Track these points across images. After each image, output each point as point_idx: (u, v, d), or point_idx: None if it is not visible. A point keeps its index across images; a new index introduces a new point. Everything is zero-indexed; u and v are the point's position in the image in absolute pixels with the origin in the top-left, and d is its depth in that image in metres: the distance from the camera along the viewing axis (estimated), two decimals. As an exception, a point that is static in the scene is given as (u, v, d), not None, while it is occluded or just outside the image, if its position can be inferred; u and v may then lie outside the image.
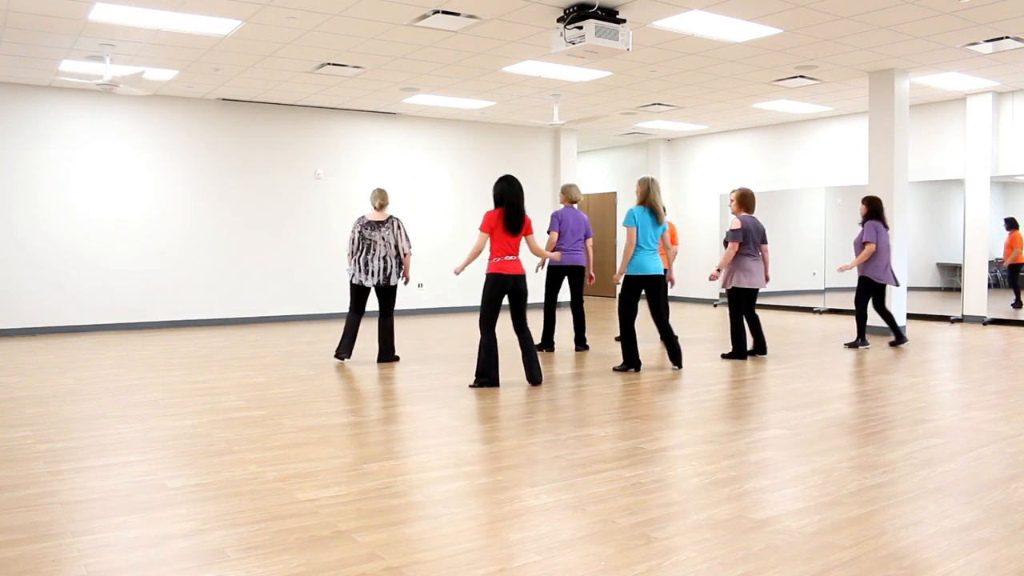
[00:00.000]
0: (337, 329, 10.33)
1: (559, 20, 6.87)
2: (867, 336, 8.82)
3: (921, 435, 4.63)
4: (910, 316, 11.39)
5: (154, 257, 10.66)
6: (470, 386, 6.21)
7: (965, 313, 10.99)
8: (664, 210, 6.94)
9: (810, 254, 12.80)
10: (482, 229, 6.12)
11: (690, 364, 7.35)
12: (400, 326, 10.79)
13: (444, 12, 6.89)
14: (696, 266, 14.83)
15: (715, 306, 13.89)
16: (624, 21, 6.84)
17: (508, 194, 6.11)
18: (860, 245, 8.31)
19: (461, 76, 9.54)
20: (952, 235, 11.24)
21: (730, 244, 7.53)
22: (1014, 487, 3.64)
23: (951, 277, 11.26)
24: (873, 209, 8.32)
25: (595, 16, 6.56)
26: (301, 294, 11.64)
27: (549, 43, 7.88)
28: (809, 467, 3.99)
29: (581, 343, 8.30)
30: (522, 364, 6.53)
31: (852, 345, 8.45)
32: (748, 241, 7.51)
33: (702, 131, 14.33)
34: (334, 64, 8.83)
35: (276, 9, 6.82)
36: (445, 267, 12.89)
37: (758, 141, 13.81)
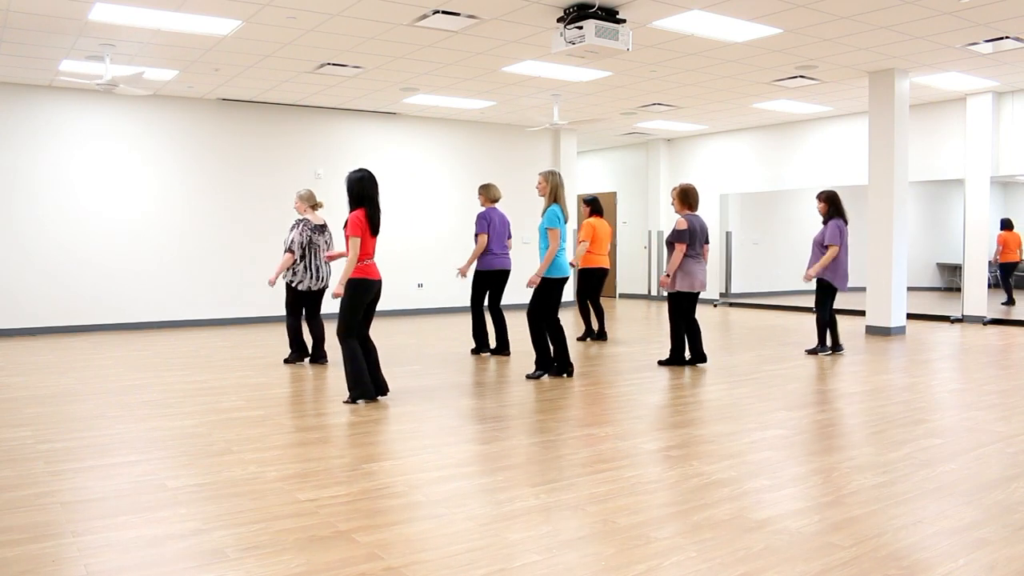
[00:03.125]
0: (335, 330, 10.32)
1: (559, 20, 6.87)
2: (827, 341, 8.19)
3: (921, 435, 4.63)
4: (910, 316, 11.38)
5: (154, 257, 10.66)
6: (344, 402, 5.61)
7: (965, 313, 10.99)
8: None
9: (810, 254, 12.79)
10: (356, 234, 5.43)
11: (691, 364, 7.35)
12: (399, 326, 10.80)
13: (444, 12, 6.89)
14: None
15: (715, 306, 13.88)
16: (624, 21, 6.84)
17: (370, 191, 5.52)
18: (820, 245, 7.84)
19: (461, 76, 9.54)
20: (952, 235, 11.24)
21: (676, 247, 6.97)
22: (1014, 487, 3.63)
23: (951, 277, 11.26)
24: (834, 206, 7.84)
25: (595, 16, 6.56)
26: (301, 294, 11.63)
27: (549, 43, 7.87)
28: (809, 467, 3.99)
29: (504, 348, 7.86)
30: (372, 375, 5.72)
31: (813, 352, 7.97)
32: (693, 242, 7.00)
33: (702, 131, 14.33)
34: (334, 64, 8.83)
35: (276, 9, 6.82)
36: (445, 267, 12.89)
37: (758, 141, 13.81)
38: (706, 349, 8.34)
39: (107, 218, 10.36)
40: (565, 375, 6.65)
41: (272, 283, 7.15)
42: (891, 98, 9.44)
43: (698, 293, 7.13)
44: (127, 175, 10.48)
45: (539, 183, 6.60)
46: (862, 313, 11.91)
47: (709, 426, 4.88)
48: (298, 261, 7.22)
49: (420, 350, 8.37)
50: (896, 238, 9.59)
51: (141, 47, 7.98)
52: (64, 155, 10.07)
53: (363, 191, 5.51)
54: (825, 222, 7.88)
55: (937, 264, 11.42)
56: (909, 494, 3.54)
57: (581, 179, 17.18)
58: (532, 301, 6.50)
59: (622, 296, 16.19)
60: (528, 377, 6.58)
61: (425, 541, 3.01)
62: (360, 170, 5.58)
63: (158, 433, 4.77)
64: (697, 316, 12.06)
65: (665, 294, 6.98)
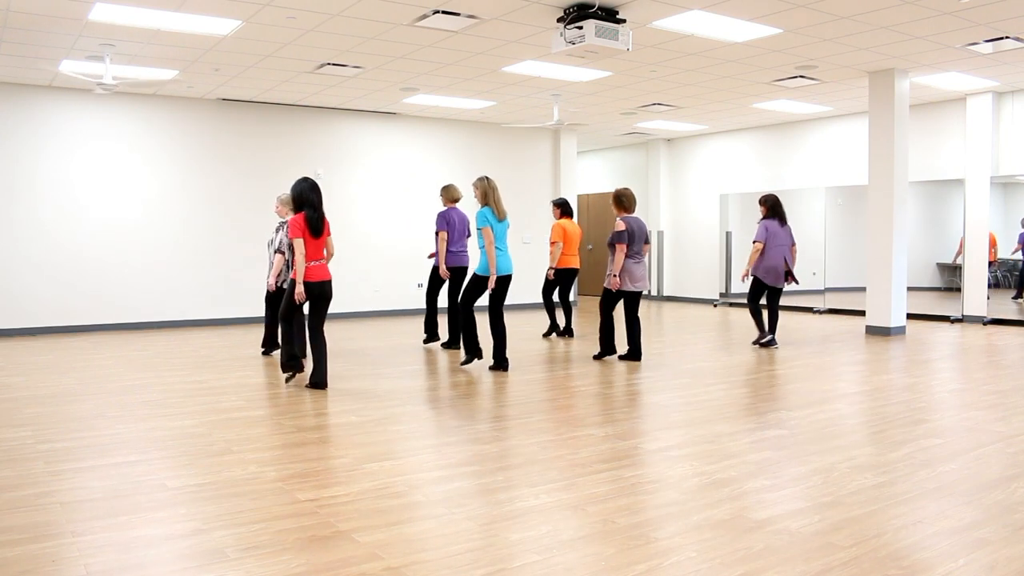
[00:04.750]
0: (336, 330, 10.33)
1: (559, 20, 6.87)
2: (767, 330, 8.58)
3: (921, 435, 4.63)
4: (910, 316, 11.39)
5: (154, 257, 10.66)
6: (306, 386, 6.22)
7: (965, 313, 10.99)
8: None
9: (810, 254, 12.80)
10: (295, 236, 5.93)
11: (690, 364, 7.35)
12: (399, 326, 10.79)
13: (444, 12, 6.89)
14: (696, 266, 14.83)
15: (715, 306, 13.88)
16: (624, 21, 6.84)
17: (309, 196, 6.00)
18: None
19: (461, 76, 9.54)
20: (952, 235, 11.24)
21: (617, 248, 7.28)
22: (1014, 487, 3.64)
23: (951, 277, 11.26)
24: (771, 209, 8.45)
25: (595, 16, 6.56)
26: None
27: (549, 43, 7.87)
28: (809, 467, 3.99)
29: (455, 343, 8.32)
30: (314, 365, 6.18)
31: (764, 344, 8.49)
32: (632, 242, 7.33)
33: (702, 131, 14.33)
34: (334, 64, 8.83)
35: (276, 9, 6.82)
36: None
37: (758, 141, 13.81)
38: (707, 349, 8.36)
39: (107, 218, 10.35)
40: (500, 370, 6.96)
41: (273, 288, 7.32)
42: (891, 98, 9.44)
43: (640, 292, 7.51)
44: (127, 175, 10.48)
45: (474, 192, 7.00)
46: (862, 313, 11.91)
47: (709, 426, 4.88)
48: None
49: (420, 350, 8.37)
50: (896, 238, 9.59)
51: (141, 47, 7.98)
52: (64, 155, 10.07)
53: (302, 196, 6.00)
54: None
55: (937, 264, 11.42)
56: (909, 494, 3.54)
57: (581, 179, 17.18)
58: (464, 292, 7.09)
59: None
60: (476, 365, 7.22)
61: (425, 541, 3.01)
62: (302, 179, 6.06)
63: (158, 433, 4.77)
64: (691, 315, 12.07)
65: (611, 291, 7.43)
